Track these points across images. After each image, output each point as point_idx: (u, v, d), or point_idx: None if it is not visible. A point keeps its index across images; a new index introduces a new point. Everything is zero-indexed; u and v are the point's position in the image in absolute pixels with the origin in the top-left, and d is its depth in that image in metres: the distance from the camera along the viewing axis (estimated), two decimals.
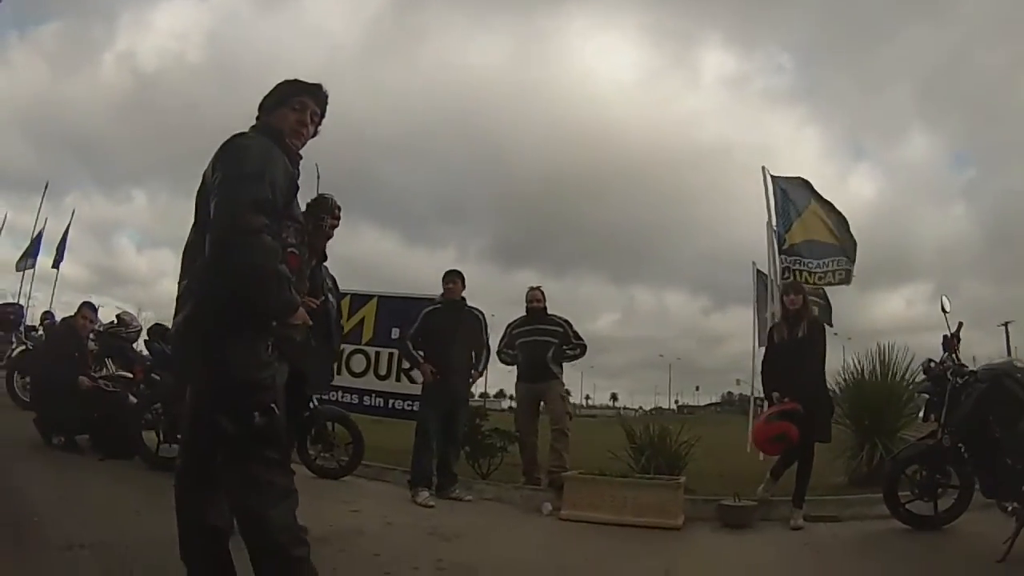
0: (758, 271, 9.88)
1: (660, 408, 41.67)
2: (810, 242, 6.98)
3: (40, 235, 12.20)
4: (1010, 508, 3.12)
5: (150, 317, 5.89)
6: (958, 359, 3.55)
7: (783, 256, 6.76)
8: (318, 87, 2.03)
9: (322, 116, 2.06)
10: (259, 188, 1.75)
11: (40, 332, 8.04)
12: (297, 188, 1.94)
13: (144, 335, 5.52)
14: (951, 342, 3.57)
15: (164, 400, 4.63)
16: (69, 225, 12.06)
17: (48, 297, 11.91)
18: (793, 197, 7.19)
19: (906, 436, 4.70)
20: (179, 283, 1.91)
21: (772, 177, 7.13)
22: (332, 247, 3.03)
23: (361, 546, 3.19)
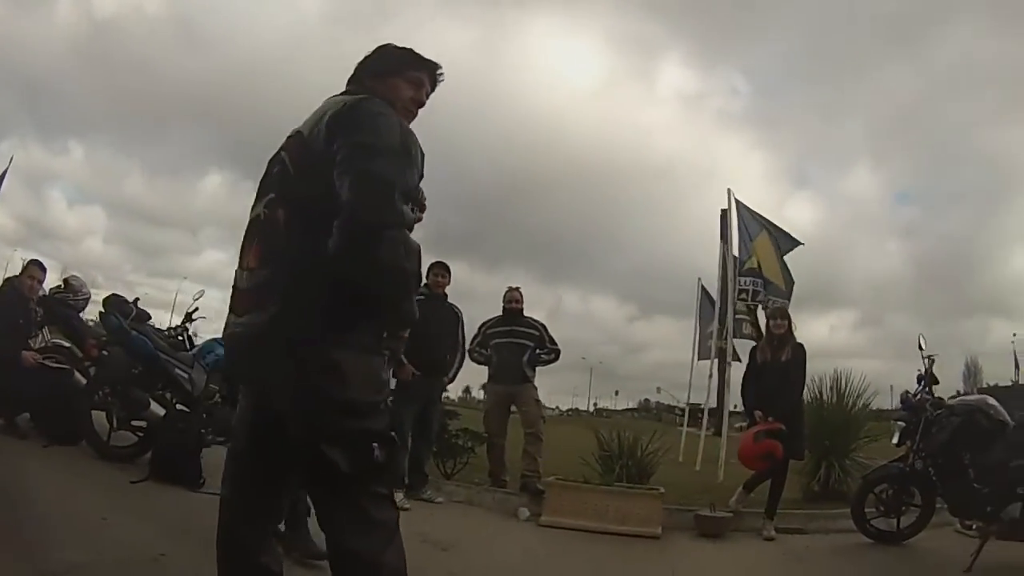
0: (703, 288, 10.50)
1: (577, 409, 42.26)
2: (761, 271, 7.36)
3: None
4: (974, 526, 3.46)
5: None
6: (932, 392, 3.89)
7: (741, 279, 7.10)
8: (437, 66, 1.70)
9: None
10: (409, 171, 1.47)
11: None
12: (422, 176, 1.58)
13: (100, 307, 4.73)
14: (928, 377, 3.91)
15: (115, 381, 4.05)
16: (6, 171, 10.06)
17: None
18: (749, 223, 7.57)
19: (858, 458, 5.09)
20: (245, 270, 1.52)
21: (736, 200, 7.50)
22: None
23: None
